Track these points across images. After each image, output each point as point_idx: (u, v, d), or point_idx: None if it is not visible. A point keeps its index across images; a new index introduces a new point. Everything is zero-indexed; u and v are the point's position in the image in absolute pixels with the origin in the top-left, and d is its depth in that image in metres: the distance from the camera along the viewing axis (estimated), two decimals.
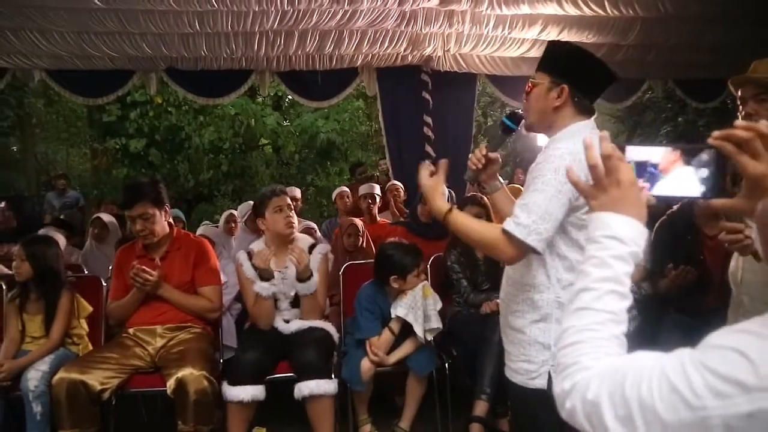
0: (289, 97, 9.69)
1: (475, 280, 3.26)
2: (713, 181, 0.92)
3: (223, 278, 3.19)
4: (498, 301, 1.91)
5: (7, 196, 5.16)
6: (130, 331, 2.87)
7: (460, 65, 5.61)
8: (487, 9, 4.62)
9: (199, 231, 4.03)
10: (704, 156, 0.91)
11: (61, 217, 5.99)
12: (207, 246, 3.09)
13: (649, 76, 6.22)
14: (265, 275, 2.86)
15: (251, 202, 4.46)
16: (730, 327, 0.64)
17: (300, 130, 11.57)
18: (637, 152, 0.99)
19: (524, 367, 1.69)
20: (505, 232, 1.56)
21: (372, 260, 3.18)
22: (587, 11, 4.65)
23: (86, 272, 3.68)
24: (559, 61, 1.71)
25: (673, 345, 0.71)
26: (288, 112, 12.16)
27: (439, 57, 5.46)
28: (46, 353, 2.79)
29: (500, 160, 1.95)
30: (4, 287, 3.13)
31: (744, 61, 1.89)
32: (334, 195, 5.61)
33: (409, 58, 5.47)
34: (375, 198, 4.60)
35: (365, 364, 2.85)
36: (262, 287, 2.86)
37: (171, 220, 3.07)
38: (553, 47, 1.78)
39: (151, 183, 2.97)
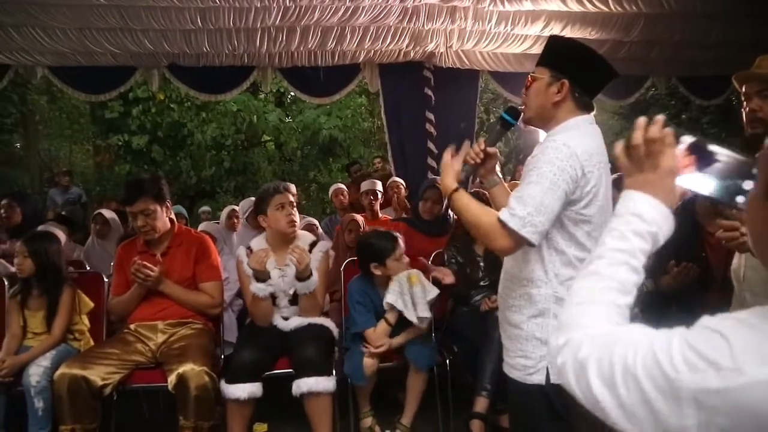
0: (292, 93, 9.68)
1: (474, 277, 3.26)
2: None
3: (224, 274, 3.20)
4: (495, 297, 1.92)
5: (11, 192, 5.17)
6: (132, 326, 2.88)
7: (463, 62, 5.59)
8: (489, 5, 4.61)
9: (201, 227, 4.03)
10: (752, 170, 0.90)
11: (63, 213, 6.00)
12: (208, 242, 3.09)
13: (653, 73, 6.20)
14: (261, 276, 2.84)
15: (253, 199, 4.46)
16: (725, 313, 0.66)
17: (302, 127, 11.57)
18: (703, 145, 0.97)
19: (521, 363, 1.69)
20: (500, 221, 1.56)
21: None
22: (590, 8, 4.63)
23: (88, 268, 3.69)
24: (560, 55, 1.70)
25: None
26: (290, 108, 12.17)
27: (441, 53, 5.45)
28: (47, 349, 2.79)
29: (498, 155, 1.95)
30: (6, 283, 3.13)
31: (748, 57, 1.88)
32: (330, 192, 5.61)
33: (412, 55, 5.46)
34: (377, 194, 4.60)
35: (368, 358, 2.85)
36: (258, 288, 2.83)
37: (173, 216, 3.07)
38: (554, 42, 1.77)
39: (153, 179, 2.97)
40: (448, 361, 3.02)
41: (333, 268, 3.46)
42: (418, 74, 5.67)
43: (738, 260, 1.80)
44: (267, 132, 11.87)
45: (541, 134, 1.83)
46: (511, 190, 1.96)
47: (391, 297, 2.88)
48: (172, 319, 2.88)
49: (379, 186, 4.71)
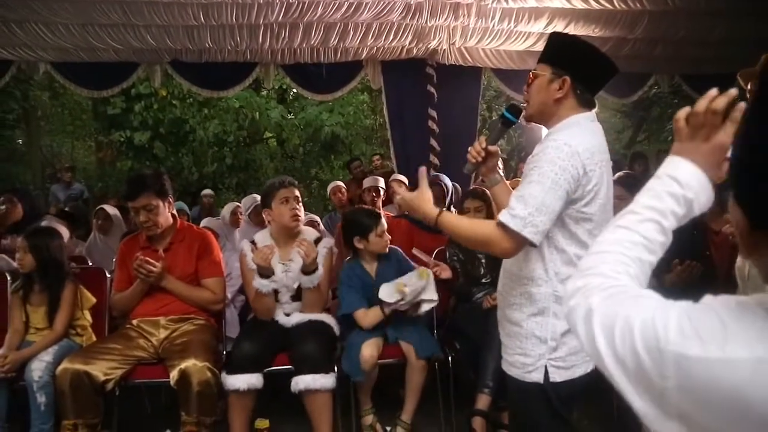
0: (294, 90, 9.66)
1: (475, 274, 3.25)
2: None
3: (226, 270, 3.19)
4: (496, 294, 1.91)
5: (14, 188, 5.17)
6: (134, 322, 2.88)
7: (466, 59, 5.58)
8: (493, 2, 4.60)
9: (203, 223, 4.04)
10: None
11: (66, 209, 6.00)
12: (210, 238, 3.09)
13: (656, 70, 6.18)
14: (265, 273, 2.84)
15: (255, 195, 4.46)
16: (729, 295, 0.68)
17: (304, 124, 11.55)
18: None
19: (521, 361, 1.68)
20: (500, 224, 1.55)
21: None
22: (594, 5, 4.62)
23: (90, 264, 3.69)
24: (562, 52, 1.69)
25: None
26: (292, 105, 12.14)
27: (444, 50, 5.44)
28: (49, 344, 2.80)
29: (500, 153, 1.94)
30: (8, 278, 3.14)
31: (752, 55, 1.87)
32: (328, 190, 5.60)
33: (414, 51, 5.45)
34: (379, 191, 4.60)
35: (365, 352, 2.84)
36: (261, 284, 2.84)
37: (174, 212, 3.07)
38: (555, 39, 1.76)
39: (155, 174, 2.97)
40: (450, 358, 3.02)
41: (336, 264, 3.46)
42: (421, 71, 5.66)
43: (742, 258, 1.80)
44: (269, 129, 11.85)
45: (544, 132, 1.82)
46: (513, 188, 1.96)
47: (384, 291, 2.88)
48: (175, 314, 2.88)
49: (381, 183, 4.71)
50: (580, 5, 4.64)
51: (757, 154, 0.62)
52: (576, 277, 0.86)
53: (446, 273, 3.18)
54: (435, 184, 3.66)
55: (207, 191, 7.55)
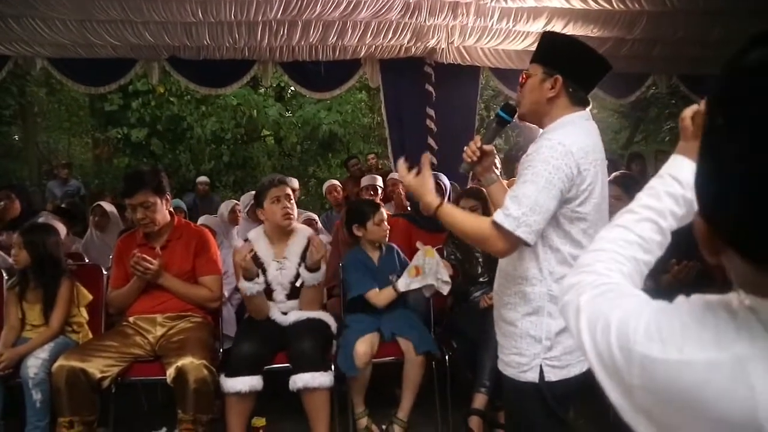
0: (292, 88, 9.65)
1: (473, 273, 3.25)
2: None
3: (223, 268, 3.19)
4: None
5: (11, 184, 5.16)
6: (131, 319, 2.87)
7: (464, 58, 5.58)
8: (491, 1, 4.60)
9: (200, 221, 4.03)
10: None
11: (62, 205, 5.98)
12: (208, 235, 3.09)
13: (654, 71, 6.20)
14: (248, 275, 2.77)
15: (254, 193, 4.45)
16: (702, 296, 0.68)
17: (302, 122, 11.54)
18: None
19: (516, 360, 1.68)
20: (494, 223, 1.55)
21: None
22: (593, 5, 4.62)
23: (87, 261, 3.68)
24: (553, 51, 1.69)
25: None
26: (290, 103, 12.12)
27: (442, 49, 5.44)
28: (45, 341, 2.79)
29: (495, 152, 1.94)
30: (4, 275, 3.13)
31: None
32: (324, 189, 5.60)
33: (413, 50, 5.45)
34: (377, 189, 4.60)
35: (359, 349, 2.84)
36: (246, 286, 2.78)
37: (172, 209, 3.07)
38: (546, 38, 1.75)
39: (153, 171, 2.97)
40: (447, 358, 3.02)
41: (333, 263, 3.46)
42: (419, 70, 5.66)
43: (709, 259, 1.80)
44: (267, 126, 11.84)
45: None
46: (508, 187, 1.96)
47: (402, 283, 2.96)
48: (171, 312, 2.88)
49: (379, 181, 4.71)
50: (579, 5, 4.64)
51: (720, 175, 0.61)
52: (571, 274, 0.88)
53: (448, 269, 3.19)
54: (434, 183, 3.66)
55: (202, 178, 7.64)
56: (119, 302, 2.95)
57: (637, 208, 0.91)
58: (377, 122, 11.11)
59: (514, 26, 5.01)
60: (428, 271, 2.92)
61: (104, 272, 3.19)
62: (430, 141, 5.64)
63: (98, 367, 2.57)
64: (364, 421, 2.96)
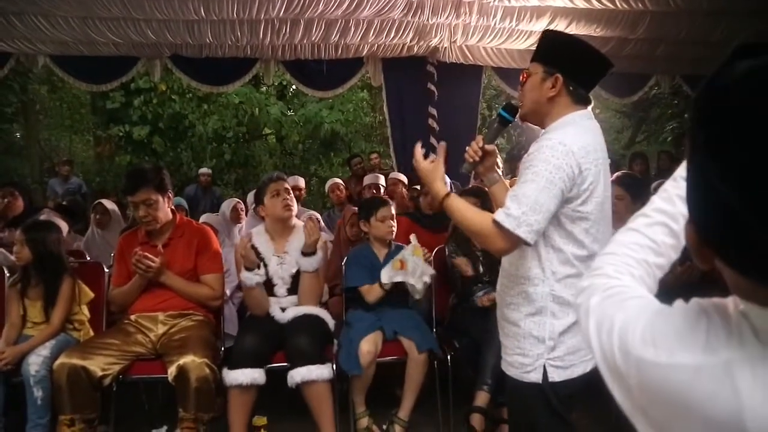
0: (294, 86, 9.64)
1: (474, 272, 3.25)
2: None
3: (225, 266, 3.18)
4: (494, 294, 1.90)
5: (13, 182, 5.16)
6: (132, 317, 2.87)
7: (467, 57, 5.58)
8: (494, 0, 4.59)
9: (202, 219, 4.03)
10: None
11: (64, 203, 5.98)
12: (210, 234, 3.08)
13: (657, 71, 6.19)
14: (249, 264, 2.83)
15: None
16: (699, 300, 0.71)
17: (304, 120, 11.53)
18: None
19: (519, 361, 1.68)
20: (495, 222, 1.55)
21: None
22: (596, 4, 4.62)
23: (88, 258, 3.68)
24: (553, 50, 1.68)
25: None
26: (292, 101, 12.12)
27: (445, 48, 5.43)
28: (47, 338, 2.78)
29: (497, 152, 1.93)
30: (5, 272, 3.13)
31: None
32: (327, 188, 5.60)
33: (415, 49, 5.45)
34: (380, 188, 4.60)
35: (364, 347, 2.84)
36: (246, 276, 2.84)
37: (173, 207, 3.06)
38: (546, 37, 1.74)
39: (155, 169, 2.96)
40: (449, 356, 3.01)
41: (334, 261, 3.46)
42: (422, 69, 5.66)
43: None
44: (268, 125, 11.83)
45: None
46: (510, 187, 1.96)
47: (385, 275, 2.98)
48: (173, 310, 2.87)
49: (382, 180, 4.71)
50: (582, 4, 4.63)
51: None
52: (585, 277, 0.90)
53: (468, 269, 3.21)
54: None
55: (204, 170, 7.72)
56: (121, 300, 2.95)
57: (650, 212, 0.93)
58: (379, 121, 11.10)
59: (516, 25, 5.00)
60: (411, 269, 2.94)
61: (105, 270, 3.19)
62: (432, 140, 5.64)
63: (99, 365, 2.57)
64: (364, 421, 2.95)
